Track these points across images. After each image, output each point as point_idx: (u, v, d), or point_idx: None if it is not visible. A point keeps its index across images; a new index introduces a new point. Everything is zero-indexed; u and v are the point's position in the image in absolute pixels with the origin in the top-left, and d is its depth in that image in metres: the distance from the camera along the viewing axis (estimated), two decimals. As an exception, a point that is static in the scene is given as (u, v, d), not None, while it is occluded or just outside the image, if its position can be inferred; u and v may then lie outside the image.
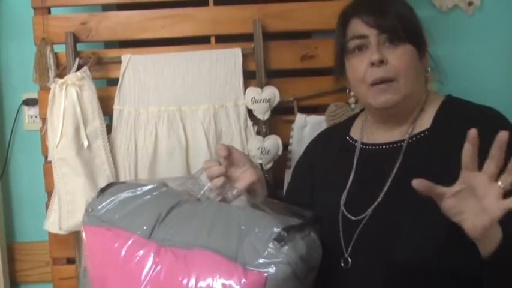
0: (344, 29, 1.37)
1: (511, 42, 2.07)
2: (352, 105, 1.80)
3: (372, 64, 1.28)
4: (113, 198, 1.30)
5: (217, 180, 1.31)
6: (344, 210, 1.32)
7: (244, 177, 1.35)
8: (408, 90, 1.29)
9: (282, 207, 1.30)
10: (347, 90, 1.48)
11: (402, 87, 1.29)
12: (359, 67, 1.32)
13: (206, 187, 1.31)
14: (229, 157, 1.33)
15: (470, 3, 2.08)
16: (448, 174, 1.13)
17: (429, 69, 1.41)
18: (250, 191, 1.37)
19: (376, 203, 1.28)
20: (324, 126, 1.80)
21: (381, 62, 1.28)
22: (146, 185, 1.32)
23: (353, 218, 1.30)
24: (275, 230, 1.13)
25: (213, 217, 1.21)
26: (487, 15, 2.08)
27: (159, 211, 1.24)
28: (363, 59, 1.31)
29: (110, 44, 1.96)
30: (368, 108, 1.40)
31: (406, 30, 1.30)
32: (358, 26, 1.33)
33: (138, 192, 1.30)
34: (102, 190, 1.36)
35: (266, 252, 1.11)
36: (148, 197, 1.29)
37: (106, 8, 1.95)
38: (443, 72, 1.47)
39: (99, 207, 1.30)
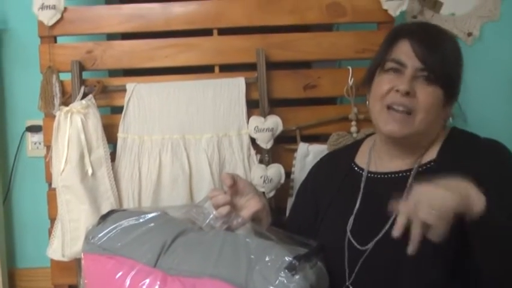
0: (391, 45, 1.35)
1: (509, 72, 2.09)
2: (354, 134, 1.82)
3: (397, 91, 1.28)
4: (114, 225, 1.30)
5: (223, 209, 1.32)
6: (351, 237, 1.33)
7: (249, 205, 1.36)
8: (421, 128, 1.29)
9: (286, 236, 1.31)
10: (366, 102, 1.44)
11: (416, 123, 1.28)
12: (385, 85, 1.31)
13: (211, 216, 1.33)
14: (234, 186, 1.35)
15: (469, 34, 2.11)
16: None
17: (450, 118, 1.40)
18: (255, 219, 1.38)
19: (381, 233, 1.28)
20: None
21: (407, 94, 1.27)
22: (149, 213, 1.32)
23: (359, 247, 1.30)
24: (286, 259, 1.13)
25: (220, 246, 1.20)
26: (486, 46, 2.11)
27: (164, 239, 1.24)
28: (393, 81, 1.30)
29: (114, 73, 1.98)
30: (377, 130, 1.39)
31: (445, 75, 1.29)
32: (403, 51, 1.31)
33: (141, 220, 1.30)
34: (103, 217, 1.35)
35: (277, 282, 1.11)
36: (152, 224, 1.29)
37: (111, 37, 1.98)
38: (466, 119, 1.46)
39: (100, 234, 1.29)
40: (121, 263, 1.23)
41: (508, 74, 2.10)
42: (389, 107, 1.30)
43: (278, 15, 1.86)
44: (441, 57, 1.28)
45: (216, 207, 1.33)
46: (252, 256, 1.16)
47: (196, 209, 1.37)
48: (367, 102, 1.43)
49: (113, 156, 1.78)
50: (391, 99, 1.29)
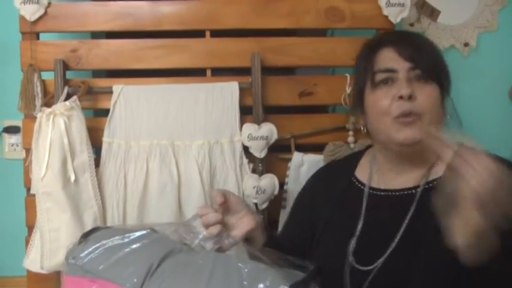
0: (372, 58, 1.30)
1: (505, 83, 2.06)
2: (352, 145, 1.76)
3: (400, 97, 1.22)
4: (97, 245, 1.18)
5: (213, 228, 1.23)
6: (353, 259, 1.25)
7: (241, 224, 1.28)
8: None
9: (280, 258, 1.21)
10: (362, 128, 1.39)
11: (425, 126, 1.22)
12: (384, 100, 1.25)
13: (201, 235, 1.23)
14: (225, 203, 1.26)
15: (466, 44, 2.07)
16: None
17: (448, 115, 1.34)
18: (248, 238, 1.30)
19: (387, 253, 1.21)
20: (322, 165, 1.74)
21: (410, 97, 1.22)
22: (135, 232, 1.20)
23: (362, 268, 1.23)
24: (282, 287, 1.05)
25: (210, 270, 1.09)
26: (482, 57, 2.08)
27: (150, 261, 1.12)
28: (389, 92, 1.25)
29: (97, 73, 1.88)
30: (385, 146, 1.30)
31: (437, 70, 1.26)
32: (389, 58, 1.27)
33: (126, 240, 1.18)
34: (85, 235, 1.24)
35: None
36: (138, 245, 1.17)
37: (95, 35, 1.87)
38: (461, 122, 1.41)
39: (81, 255, 1.17)
40: (104, 287, 1.12)
41: (504, 85, 2.06)
42: (397, 117, 1.23)
43: (274, 18, 1.79)
44: (428, 54, 1.26)
45: (206, 226, 1.23)
46: (245, 282, 1.07)
47: (185, 227, 1.26)
48: (363, 128, 1.38)
49: (96, 162, 1.68)
50: (398, 109, 1.22)
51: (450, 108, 1.36)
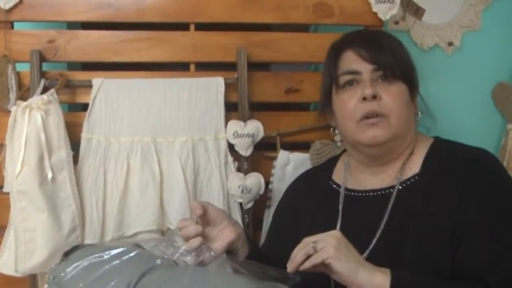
0: (336, 61, 1.30)
1: (488, 83, 2.04)
2: (339, 143, 1.71)
3: (364, 99, 1.22)
4: (77, 263, 1.15)
5: (194, 241, 1.18)
6: None
7: (222, 236, 1.23)
8: (399, 130, 1.24)
9: (264, 271, 1.18)
10: (331, 129, 1.42)
11: (393, 125, 1.23)
12: (349, 102, 1.25)
13: (181, 249, 1.18)
14: (205, 215, 1.21)
15: (450, 44, 2.05)
16: (442, 219, 1.14)
17: (419, 112, 1.35)
18: (230, 250, 1.25)
19: (367, 252, 1.20)
20: (308, 164, 1.70)
21: (374, 97, 1.22)
22: (115, 248, 1.17)
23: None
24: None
25: (189, 285, 1.07)
26: (466, 56, 2.06)
27: (129, 278, 1.09)
28: (354, 93, 1.25)
29: (72, 66, 1.80)
30: (355, 147, 1.31)
31: (401, 69, 1.25)
32: (351, 60, 1.27)
33: (105, 257, 1.16)
34: (66, 254, 1.22)
35: None
36: (117, 262, 1.14)
37: (71, 26, 1.79)
38: (434, 117, 1.39)
39: (62, 274, 1.15)
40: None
41: (488, 84, 2.04)
42: (361, 119, 1.23)
43: (261, 12, 1.74)
44: (389, 53, 1.26)
45: (187, 239, 1.19)
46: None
47: (166, 242, 1.22)
48: (332, 129, 1.42)
49: (75, 159, 1.59)
50: (362, 111, 1.23)
51: (421, 105, 1.35)
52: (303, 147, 1.74)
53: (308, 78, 1.76)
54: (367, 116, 1.22)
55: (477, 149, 1.26)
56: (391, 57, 1.25)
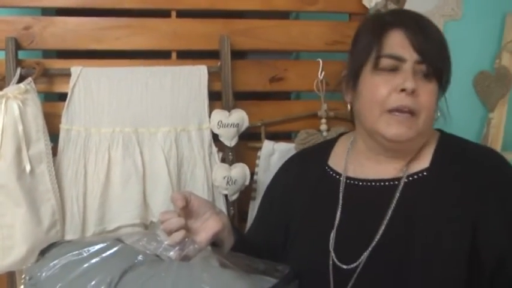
0: (380, 38, 1.17)
1: (470, 71, 2.05)
2: (324, 133, 1.69)
3: (402, 90, 1.13)
4: (55, 262, 1.08)
5: (177, 234, 1.10)
6: (334, 257, 1.16)
7: (207, 227, 1.15)
8: (424, 129, 1.16)
9: (251, 262, 1.13)
10: (348, 106, 1.27)
11: (420, 124, 1.14)
12: (383, 88, 1.14)
13: (164, 244, 1.12)
14: (187, 206, 1.14)
15: (433, 34, 2.04)
16: (449, 222, 1.09)
17: (438, 111, 1.25)
18: (215, 241, 1.18)
19: (371, 247, 1.13)
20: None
21: (413, 93, 1.13)
22: (94, 244, 1.11)
23: (345, 266, 1.14)
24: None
25: (173, 282, 1.02)
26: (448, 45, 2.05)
27: (111, 276, 1.03)
28: (391, 81, 1.14)
29: (47, 54, 1.73)
30: (371, 135, 1.21)
31: (442, 66, 1.17)
32: (398, 43, 1.15)
33: (84, 254, 1.09)
34: (43, 252, 1.14)
35: None
36: (97, 259, 1.08)
37: (46, 12, 1.72)
38: (447, 116, 1.34)
39: (38, 273, 1.08)
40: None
41: (469, 73, 2.04)
42: (391, 110, 1.14)
43: (243, -1, 1.69)
44: (437, 48, 1.16)
45: (169, 233, 1.12)
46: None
47: (148, 237, 1.15)
48: (349, 106, 1.26)
49: (54, 150, 1.53)
50: (396, 102, 1.13)
51: (442, 106, 1.26)
52: (288, 137, 1.71)
53: (292, 67, 1.73)
54: (398, 110, 1.14)
55: (484, 147, 1.24)
56: (438, 52, 1.16)
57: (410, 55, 1.13)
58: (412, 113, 1.13)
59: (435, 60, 1.14)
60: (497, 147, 1.98)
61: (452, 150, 1.20)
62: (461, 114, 2.04)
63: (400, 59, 1.14)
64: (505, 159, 1.20)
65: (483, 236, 1.08)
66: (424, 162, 1.19)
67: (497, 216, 1.09)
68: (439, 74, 1.16)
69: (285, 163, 1.42)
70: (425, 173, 1.18)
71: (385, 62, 1.15)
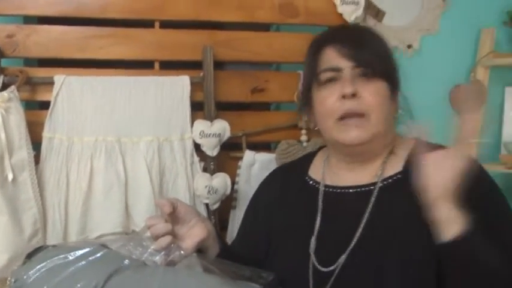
0: (316, 57, 1.27)
1: (446, 84, 2.09)
2: (304, 144, 1.72)
3: (343, 97, 1.19)
4: (41, 265, 1.09)
5: (163, 240, 1.13)
6: (314, 260, 1.20)
7: (192, 234, 1.18)
8: (378, 129, 1.21)
9: (236, 269, 1.15)
10: (312, 125, 1.38)
11: (373, 125, 1.20)
12: (328, 99, 1.22)
13: (150, 249, 1.13)
14: (174, 213, 1.16)
15: (409, 46, 2.09)
16: (423, 222, 1.11)
17: (400, 110, 1.32)
18: (200, 248, 1.21)
19: (348, 250, 1.18)
20: (274, 165, 1.69)
21: (353, 95, 1.19)
22: (80, 249, 1.11)
23: (324, 269, 1.18)
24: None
25: (158, 287, 1.03)
26: (425, 58, 2.10)
27: (96, 280, 1.04)
28: (334, 91, 1.21)
29: (29, 62, 1.73)
30: (333, 146, 1.29)
31: (382, 66, 1.23)
32: (332, 57, 1.24)
33: (70, 258, 1.09)
34: (29, 256, 1.15)
35: None
36: (83, 263, 1.08)
37: (28, 21, 1.72)
38: (413, 115, 1.40)
39: (25, 276, 1.08)
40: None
41: (446, 86, 2.09)
42: (341, 118, 1.21)
43: (227, 11, 1.72)
44: (370, 49, 1.23)
45: (155, 237, 1.14)
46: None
47: (133, 242, 1.16)
48: (311, 123, 1.38)
49: (36, 159, 1.53)
50: (341, 109, 1.20)
51: (402, 103, 1.33)
52: (269, 147, 1.73)
53: (273, 78, 1.76)
54: (346, 116, 1.20)
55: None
56: (372, 54, 1.23)
57: (345, 63, 1.22)
58: (360, 115, 1.20)
59: (371, 61, 1.22)
60: (472, 159, 2.03)
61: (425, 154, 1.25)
62: (438, 126, 2.10)
63: (337, 69, 1.22)
64: (477, 162, 1.24)
65: None
66: (397, 166, 1.25)
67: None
68: (380, 73, 1.22)
69: (268, 176, 1.47)
70: (399, 176, 1.23)
71: (324, 76, 1.24)
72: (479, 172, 1.23)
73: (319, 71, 1.25)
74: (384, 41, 1.29)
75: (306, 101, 1.31)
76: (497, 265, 1.07)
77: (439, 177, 1.06)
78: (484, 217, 1.12)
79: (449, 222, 1.05)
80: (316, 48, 1.29)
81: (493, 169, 2.00)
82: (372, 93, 1.20)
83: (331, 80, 1.23)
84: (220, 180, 1.63)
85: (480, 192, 1.15)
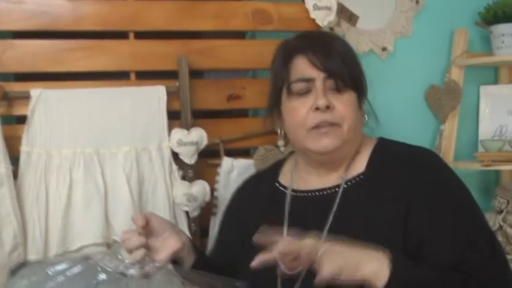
0: (287, 66, 1.29)
1: (421, 86, 2.13)
2: (282, 148, 1.74)
3: (317, 109, 1.23)
4: (24, 281, 1.13)
5: (137, 253, 1.14)
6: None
7: (167, 246, 1.20)
8: (350, 136, 1.26)
9: (210, 279, 1.17)
10: (278, 131, 1.42)
11: (345, 133, 1.25)
12: (300, 110, 1.26)
13: (125, 262, 1.15)
14: (148, 226, 1.18)
15: (384, 49, 2.11)
16: (385, 217, 1.18)
17: (366, 115, 1.37)
18: (175, 259, 1.23)
19: None
20: (252, 170, 1.72)
21: (327, 108, 1.23)
22: (58, 264, 1.14)
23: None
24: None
25: None
26: (399, 61, 2.12)
27: None
28: (306, 102, 1.25)
29: (5, 77, 1.73)
30: (304, 153, 1.32)
31: (351, 77, 1.27)
32: (304, 67, 1.26)
33: (50, 273, 1.12)
34: (13, 272, 1.20)
35: None
36: (62, 278, 1.12)
37: (2, 36, 1.73)
38: (377, 118, 1.43)
39: None
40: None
41: (420, 87, 2.13)
42: (313, 128, 1.25)
43: (200, 20, 1.73)
44: (340, 59, 1.26)
45: (130, 251, 1.15)
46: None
47: (110, 255, 1.18)
48: (279, 130, 1.41)
49: (14, 173, 1.54)
50: (314, 120, 1.24)
51: (368, 109, 1.38)
52: (247, 153, 1.75)
53: (249, 85, 1.78)
54: (318, 126, 1.24)
55: (419, 148, 1.32)
56: (342, 65, 1.25)
57: (317, 74, 1.25)
58: (332, 124, 1.24)
59: (341, 73, 1.25)
60: (449, 157, 2.06)
61: (385, 153, 1.31)
62: (414, 127, 2.14)
63: (309, 80, 1.25)
64: (437, 158, 1.33)
65: (410, 226, 1.17)
66: (360, 167, 1.30)
67: (421, 208, 1.19)
68: (351, 84, 1.26)
69: (240, 184, 1.51)
70: (361, 177, 1.28)
71: (296, 87, 1.27)
72: (439, 164, 1.29)
73: (291, 81, 1.27)
74: (351, 49, 1.34)
75: (275, 107, 1.34)
76: (436, 277, 1.12)
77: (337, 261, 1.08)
78: (440, 206, 1.18)
79: (375, 274, 1.09)
80: (286, 55, 1.31)
81: (470, 167, 2.04)
82: (343, 104, 1.25)
83: (303, 92, 1.26)
84: (200, 188, 1.65)
85: (436, 181, 1.22)
